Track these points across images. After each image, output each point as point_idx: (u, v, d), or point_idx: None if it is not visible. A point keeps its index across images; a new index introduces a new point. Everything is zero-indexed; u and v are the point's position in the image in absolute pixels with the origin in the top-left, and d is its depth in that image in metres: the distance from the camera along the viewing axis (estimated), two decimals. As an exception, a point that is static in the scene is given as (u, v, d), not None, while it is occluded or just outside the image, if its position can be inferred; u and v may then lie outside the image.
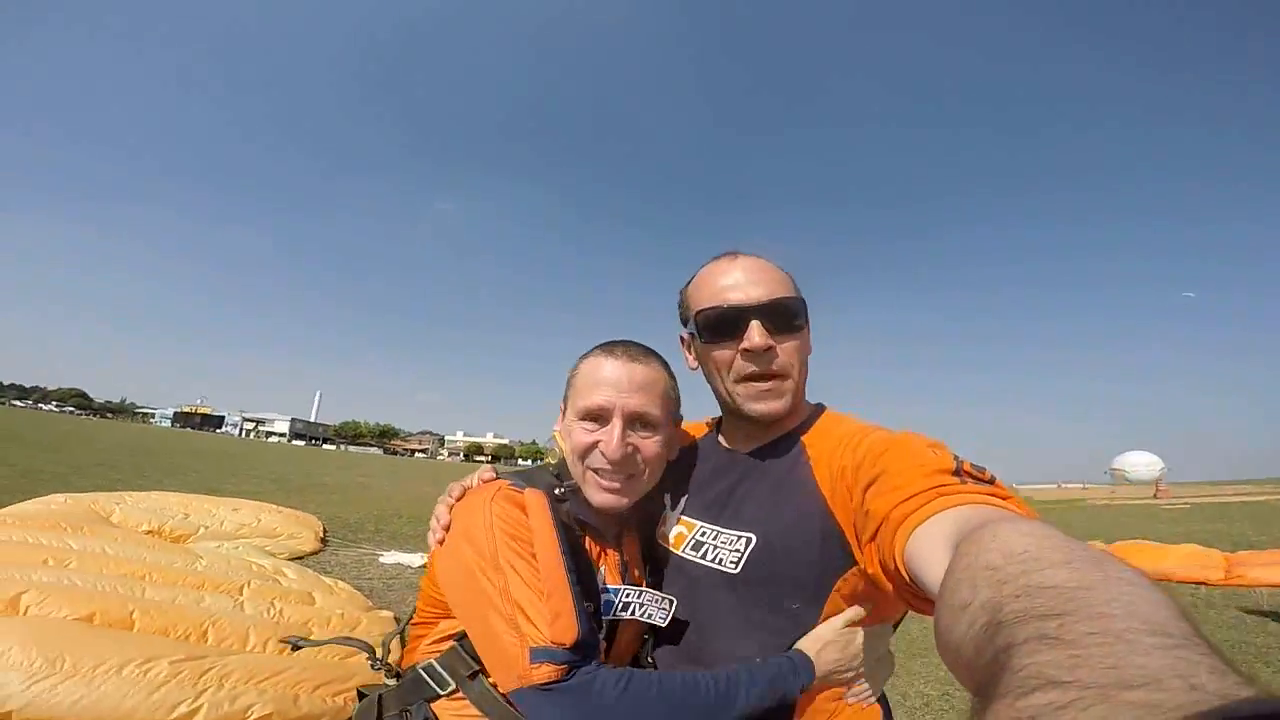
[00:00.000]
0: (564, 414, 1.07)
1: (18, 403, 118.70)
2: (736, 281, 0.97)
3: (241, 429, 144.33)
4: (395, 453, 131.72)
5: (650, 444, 0.98)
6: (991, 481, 0.71)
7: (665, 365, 1.06)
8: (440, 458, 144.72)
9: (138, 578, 3.85)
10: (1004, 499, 0.66)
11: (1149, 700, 0.27)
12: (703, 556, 0.95)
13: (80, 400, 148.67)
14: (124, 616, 3.25)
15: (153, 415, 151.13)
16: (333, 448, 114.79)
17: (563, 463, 1.07)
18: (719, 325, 0.97)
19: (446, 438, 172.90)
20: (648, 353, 1.03)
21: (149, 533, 6.10)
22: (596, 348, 1.05)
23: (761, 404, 0.95)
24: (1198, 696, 0.27)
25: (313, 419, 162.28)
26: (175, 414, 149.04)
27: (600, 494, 0.98)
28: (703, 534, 0.96)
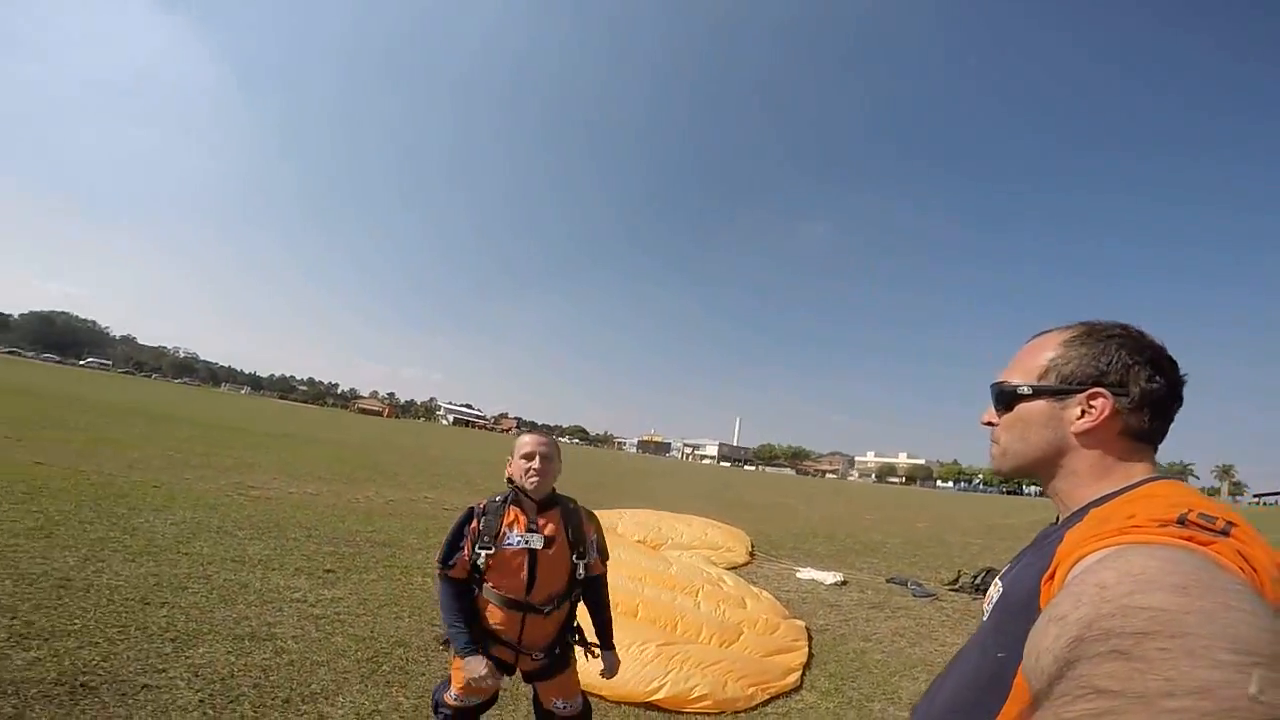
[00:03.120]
0: (511, 462, 2.19)
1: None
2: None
3: (682, 453, 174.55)
4: (806, 473, 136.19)
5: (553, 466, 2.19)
6: (1224, 532, 0.59)
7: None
8: (850, 478, 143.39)
9: (637, 578, 5.16)
10: (1204, 544, 0.55)
11: (1189, 706, 0.26)
12: (988, 607, 0.99)
13: (582, 433, 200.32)
14: (633, 607, 4.38)
15: (624, 444, 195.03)
16: (752, 468, 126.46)
17: (509, 481, 2.21)
18: None
19: (856, 458, 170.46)
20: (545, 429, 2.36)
21: (639, 541, 8.04)
22: (522, 430, 2.52)
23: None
24: (1246, 704, 0.26)
25: (734, 443, 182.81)
26: (639, 442, 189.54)
27: (530, 481, 2.13)
28: (998, 590, 1.00)
